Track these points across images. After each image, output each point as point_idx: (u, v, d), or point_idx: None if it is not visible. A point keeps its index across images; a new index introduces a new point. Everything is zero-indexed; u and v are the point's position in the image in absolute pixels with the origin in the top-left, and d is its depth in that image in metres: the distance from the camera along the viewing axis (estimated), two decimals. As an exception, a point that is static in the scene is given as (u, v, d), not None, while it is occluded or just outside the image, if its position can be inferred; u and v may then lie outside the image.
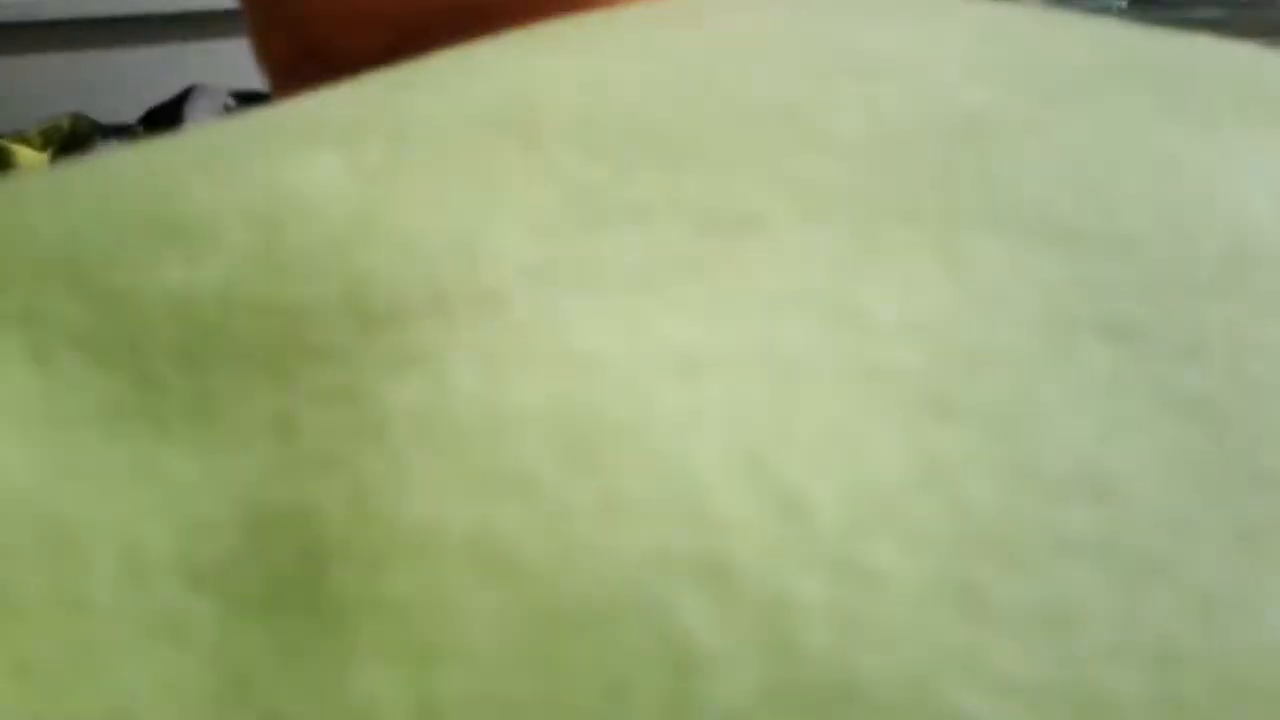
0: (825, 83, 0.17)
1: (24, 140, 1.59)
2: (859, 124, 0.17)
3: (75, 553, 0.13)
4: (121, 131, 1.66)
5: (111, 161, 0.17)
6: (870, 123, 0.17)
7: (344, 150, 0.16)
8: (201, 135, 0.17)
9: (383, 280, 0.15)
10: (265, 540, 0.13)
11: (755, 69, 0.18)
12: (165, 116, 1.69)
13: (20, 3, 1.81)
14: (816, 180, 0.16)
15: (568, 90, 0.17)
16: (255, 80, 1.78)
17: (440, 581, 0.12)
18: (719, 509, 0.12)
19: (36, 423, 0.14)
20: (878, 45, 0.18)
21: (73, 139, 1.62)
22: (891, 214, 0.15)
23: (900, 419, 0.13)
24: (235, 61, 1.90)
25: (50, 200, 0.16)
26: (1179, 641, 0.12)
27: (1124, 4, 1.84)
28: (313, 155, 0.16)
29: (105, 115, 1.75)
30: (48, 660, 0.12)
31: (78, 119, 1.64)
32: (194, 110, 1.65)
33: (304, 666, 0.12)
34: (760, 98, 0.17)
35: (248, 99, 1.69)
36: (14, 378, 0.14)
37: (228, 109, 1.66)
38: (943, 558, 0.12)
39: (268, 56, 0.26)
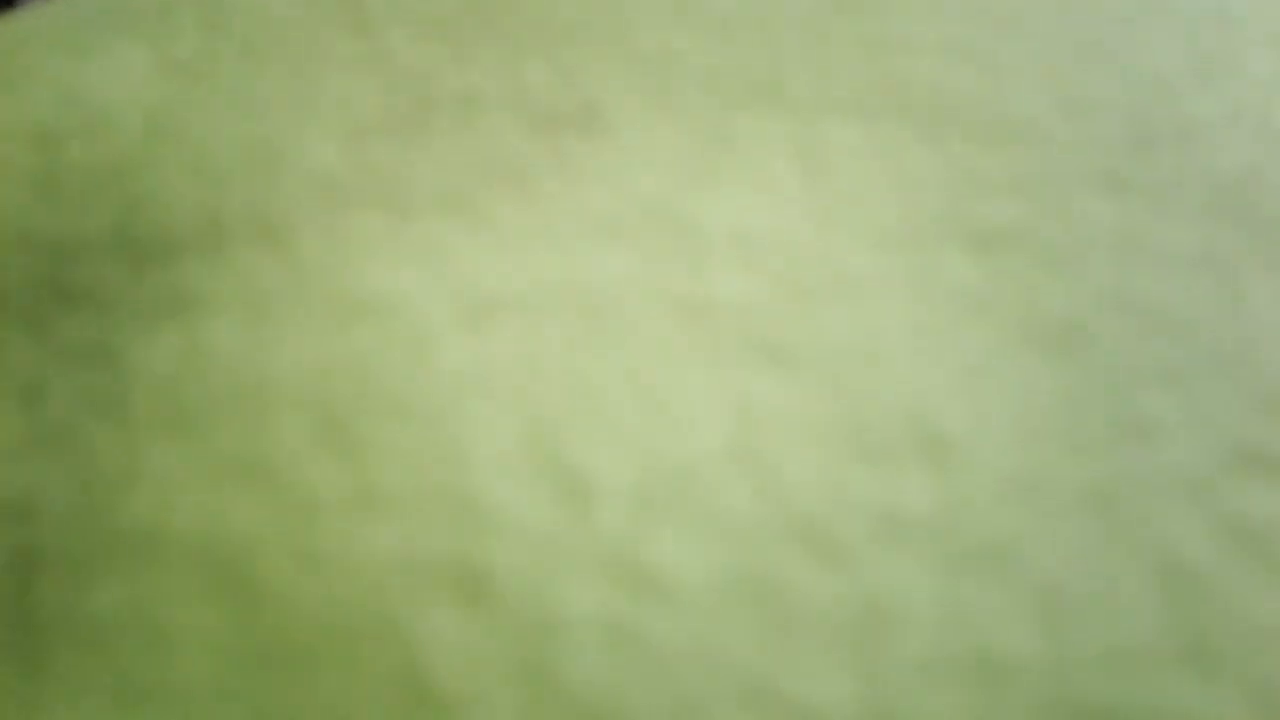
0: None
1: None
2: None
3: None
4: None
5: None
6: None
7: (154, 42, 0.15)
8: (4, 28, 0.16)
9: (160, 207, 0.13)
10: None
11: None
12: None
13: None
14: (672, 60, 0.14)
15: None
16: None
17: (154, 597, 0.10)
18: (487, 500, 0.11)
19: None
20: None
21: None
22: (750, 100, 0.14)
23: (716, 371, 0.11)
24: None
25: None
26: (1006, 650, 0.10)
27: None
28: (121, 49, 0.14)
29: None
30: None
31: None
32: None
33: None
34: None
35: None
36: None
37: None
38: (741, 552, 0.10)
39: None
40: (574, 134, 0.13)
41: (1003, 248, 0.12)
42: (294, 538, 0.10)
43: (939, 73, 0.14)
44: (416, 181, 0.13)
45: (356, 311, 0.12)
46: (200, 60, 0.14)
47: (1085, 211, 0.12)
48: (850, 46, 0.14)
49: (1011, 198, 0.13)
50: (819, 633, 0.10)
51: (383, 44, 0.14)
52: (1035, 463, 0.11)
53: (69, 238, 0.13)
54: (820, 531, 0.10)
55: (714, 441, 0.11)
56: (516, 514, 0.10)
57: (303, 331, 0.12)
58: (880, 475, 0.11)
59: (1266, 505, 0.11)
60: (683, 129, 0.13)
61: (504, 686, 0.10)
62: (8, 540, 0.11)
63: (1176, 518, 0.11)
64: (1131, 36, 0.14)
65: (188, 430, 0.11)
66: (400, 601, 0.10)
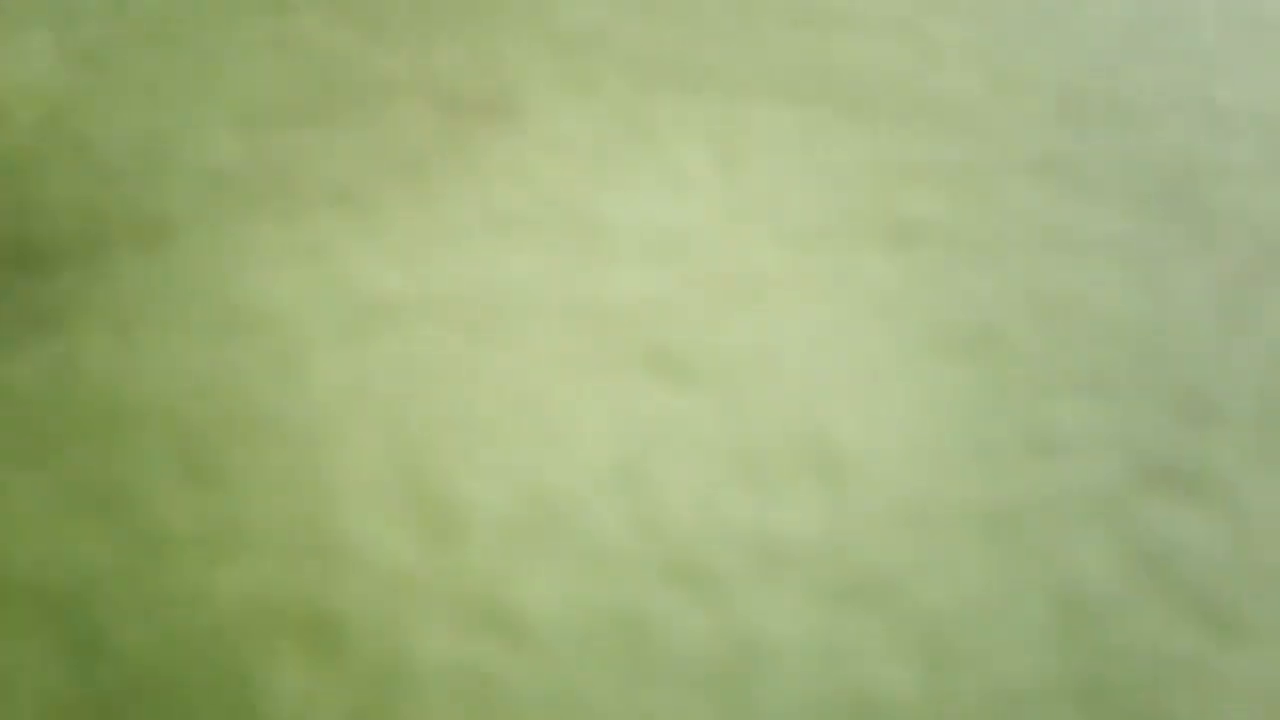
0: None
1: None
2: None
3: None
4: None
5: None
6: None
7: (58, 28, 0.14)
8: None
9: (45, 210, 0.12)
10: None
11: None
12: None
13: None
14: (592, 40, 0.13)
15: None
16: None
17: None
18: (349, 535, 0.10)
19: None
20: None
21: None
22: (672, 83, 0.13)
23: (608, 385, 0.11)
24: None
25: None
26: (884, 690, 0.09)
27: None
28: (23, 37, 0.14)
29: None
30: None
31: None
32: None
33: None
34: None
35: None
36: None
37: None
38: (611, 589, 0.10)
39: None
40: (485, 122, 0.13)
41: (921, 242, 0.12)
42: (141, 577, 0.10)
43: (870, 51, 0.13)
44: (313, 177, 0.12)
45: (232, 324, 0.11)
46: (105, 46, 0.14)
47: (1011, 201, 0.12)
48: (779, 23, 0.14)
49: (934, 187, 0.12)
50: (687, 675, 0.09)
51: (295, 26, 0.14)
52: (932, 483, 0.10)
53: None
54: (696, 564, 0.10)
55: (595, 466, 0.10)
56: (378, 551, 0.10)
57: (175, 347, 0.11)
58: (765, 500, 0.10)
59: (1174, 526, 0.10)
60: (599, 115, 0.13)
61: None
62: None
63: (1078, 543, 0.10)
64: (1074, 10, 0.14)
65: (42, 457, 0.10)
66: (247, 650, 0.09)
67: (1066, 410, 0.11)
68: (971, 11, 0.13)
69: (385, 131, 0.13)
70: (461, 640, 0.09)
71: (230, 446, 0.10)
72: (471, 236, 0.12)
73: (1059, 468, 0.10)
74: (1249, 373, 0.11)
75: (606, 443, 0.10)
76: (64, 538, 0.10)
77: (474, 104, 0.13)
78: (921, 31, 0.13)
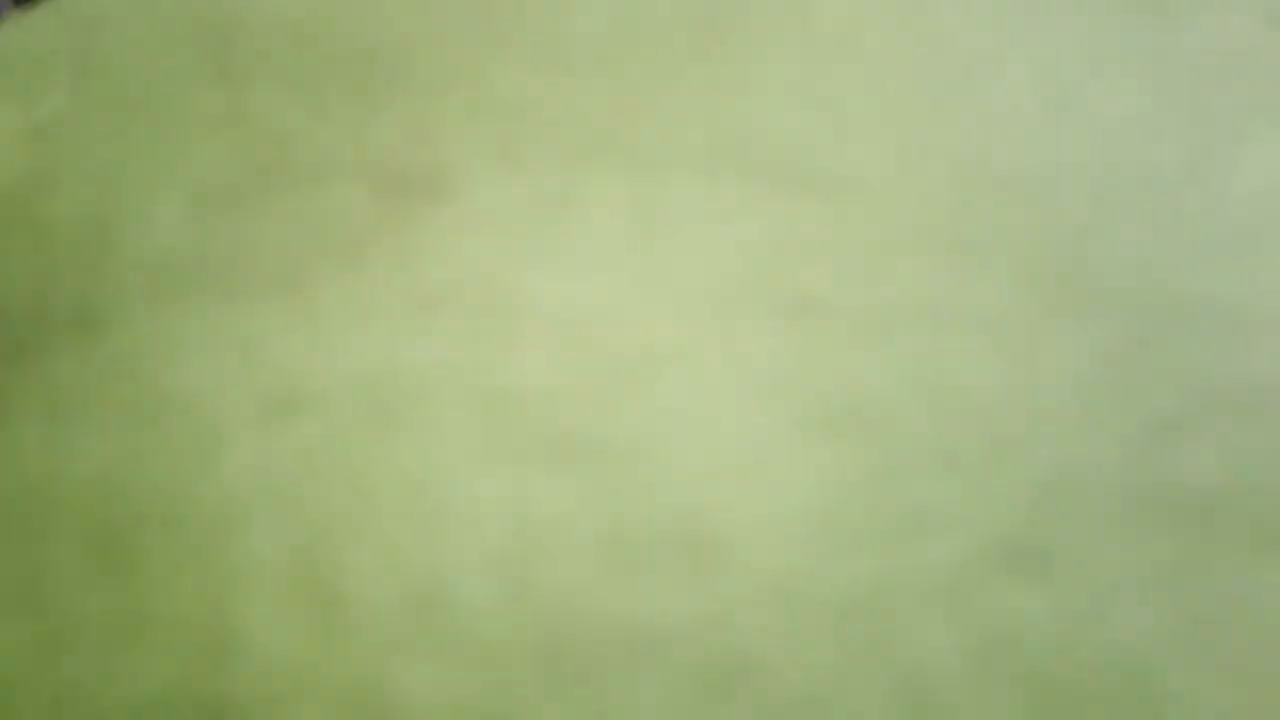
0: None
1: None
2: (601, 23, 0.15)
3: None
4: None
5: None
6: (611, 21, 0.15)
7: (22, 102, 0.15)
8: None
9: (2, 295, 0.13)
10: None
11: None
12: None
13: None
14: (526, 110, 0.14)
15: (278, 3, 0.15)
16: None
17: None
18: (245, 627, 0.10)
19: None
20: None
21: None
22: (596, 155, 0.13)
23: (503, 471, 0.11)
24: None
25: None
26: None
27: None
28: None
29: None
30: None
31: None
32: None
33: None
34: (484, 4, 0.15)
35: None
36: None
37: None
38: (484, 679, 0.10)
39: None
40: (419, 200, 0.13)
41: (814, 317, 0.12)
42: (46, 673, 0.10)
43: (787, 123, 0.14)
44: (250, 259, 0.13)
45: (157, 411, 0.12)
46: (64, 122, 0.14)
47: (900, 277, 0.12)
48: (703, 93, 0.14)
49: (830, 262, 0.12)
50: None
51: (244, 101, 0.14)
52: (800, 565, 0.11)
53: None
54: (567, 653, 0.10)
55: (480, 555, 0.11)
56: (270, 640, 0.10)
57: (99, 436, 0.12)
58: (639, 586, 0.11)
59: (1023, 609, 0.11)
60: (527, 189, 0.13)
61: None
62: None
63: (929, 626, 0.10)
64: (986, 75, 0.14)
65: None
66: None
67: (932, 490, 0.11)
68: (890, 79, 0.14)
69: (325, 213, 0.13)
70: None
71: (141, 535, 0.11)
72: (395, 320, 0.12)
73: (918, 548, 0.11)
74: (1112, 453, 0.11)
75: (493, 532, 0.11)
76: None
77: (410, 182, 0.14)
78: (838, 101, 0.14)
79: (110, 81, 0.15)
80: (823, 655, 0.10)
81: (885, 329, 0.12)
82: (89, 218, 0.13)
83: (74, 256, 0.13)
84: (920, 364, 0.12)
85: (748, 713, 0.10)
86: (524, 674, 0.10)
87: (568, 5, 0.15)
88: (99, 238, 0.13)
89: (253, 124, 0.14)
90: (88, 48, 0.15)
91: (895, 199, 0.13)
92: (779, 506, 0.11)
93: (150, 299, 0.13)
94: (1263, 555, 0.11)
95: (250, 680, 0.10)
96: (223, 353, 0.12)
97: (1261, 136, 0.13)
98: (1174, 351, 0.12)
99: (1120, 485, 0.11)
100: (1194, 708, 0.10)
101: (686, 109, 0.14)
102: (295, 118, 0.14)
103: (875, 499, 0.11)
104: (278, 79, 0.15)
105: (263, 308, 0.13)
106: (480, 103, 0.14)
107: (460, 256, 0.13)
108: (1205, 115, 0.14)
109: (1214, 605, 0.11)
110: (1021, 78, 0.14)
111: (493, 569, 0.11)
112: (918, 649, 0.10)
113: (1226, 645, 0.11)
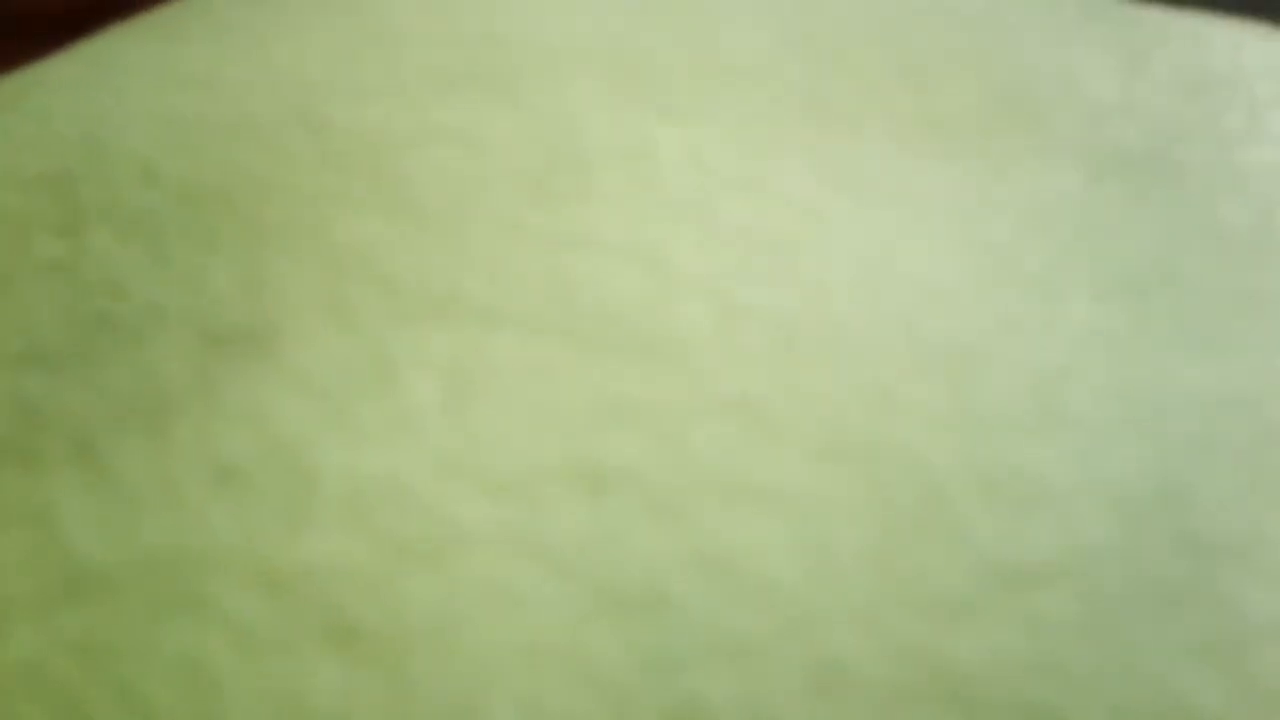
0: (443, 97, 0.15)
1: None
2: (447, 170, 0.14)
3: None
4: None
5: None
6: (458, 167, 0.14)
7: None
8: None
9: None
10: None
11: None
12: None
13: None
14: (364, 260, 0.13)
15: (134, 138, 0.15)
16: None
17: None
18: None
19: None
20: None
21: None
22: (424, 312, 0.13)
23: (282, 661, 0.11)
24: None
25: None
26: None
27: None
28: None
29: None
30: None
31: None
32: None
33: None
34: (356, 122, 0.15)
35: None
36: None
37: None
38: None
39: None
40: (241, 354, 0.13)
41: (614, 492, 0.12)
42: None
43: (615, 280, 0.13)
44: (62, 425, 0.13)
45: None
46: None
47: (702, 447, 0.12)
48: (537, 247, 0.14)
49: (636, 431, 0.12)
50: None
51: (84, 246, 0.14)
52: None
53: None
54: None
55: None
56: None
57: None
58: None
59: None
60: (350, 348, 0.13)
61: None
62: None
63: None
64: (814, 237, 0.14)
65: None
66: None
67: (705, 679, 0.11)
68: (718, 245, 0.14)
69: (146, 369, 0.13)
70: None
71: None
72: (187, 494, 0.12)
73: None
74: (891, 637, 0.11)
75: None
76: None
77: (237, 334, 0.13)
78: (668, 263, 0.13)
79: None
80: None
81: (679, 505, 0.12)
82: None
83: None
84: (710, 543, 0.11)
85: None
86: None
87: (417, 151, 0.15)
88: None
89: (89, 272, 0.14)
90: None
91: (708, 362, 0.13)
92: (556, 699, 0.11)
93: None
94: None
95: None
96: (16, 527, 0.12)
97: (1069, 298, 0.13)
98: (967, 526, 0.12)
99: (894, 674, 0.11)
100: None
101: (519, 263, 0.14)
102: (134, 264, 0.14)
103: (652, 689, 0.11)
104: (120, 222, 0.14)
105: (63, 478, 0.12)
106: (319, 251, 0.14)
107: (265, 423, 0.13)
108: (1019, 276, 0.13)
109: None
110: (846, 239, 0.13)
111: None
112: None
113: None
